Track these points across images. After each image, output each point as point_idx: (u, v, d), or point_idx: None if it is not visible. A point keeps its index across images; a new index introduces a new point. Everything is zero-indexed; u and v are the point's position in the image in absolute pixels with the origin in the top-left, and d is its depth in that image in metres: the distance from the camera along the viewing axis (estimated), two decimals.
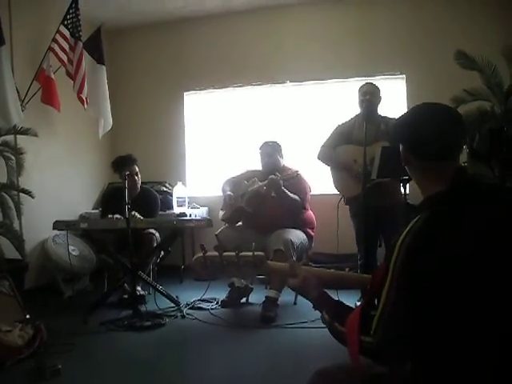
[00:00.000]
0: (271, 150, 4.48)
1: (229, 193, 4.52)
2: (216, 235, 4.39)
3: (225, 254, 1.61)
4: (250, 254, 1.61)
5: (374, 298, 1.36)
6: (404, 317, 1.26)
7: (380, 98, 4.13)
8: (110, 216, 4.30)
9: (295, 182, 4.26)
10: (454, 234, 1.25)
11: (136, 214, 4.30)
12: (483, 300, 1.22)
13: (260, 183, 4.31)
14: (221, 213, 4.60)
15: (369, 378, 1.43)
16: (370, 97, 4.03)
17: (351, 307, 1.44)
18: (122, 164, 4.59)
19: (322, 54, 5.45)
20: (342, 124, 4.26)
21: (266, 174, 4.37)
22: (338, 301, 1.50)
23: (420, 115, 1.47)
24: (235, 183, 4.59)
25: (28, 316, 3.48)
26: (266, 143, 4.54)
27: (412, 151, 1.44)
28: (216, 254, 1.62)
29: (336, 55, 5.41)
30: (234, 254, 1.60)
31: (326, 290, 1.54)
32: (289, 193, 4.23)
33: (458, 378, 1.23)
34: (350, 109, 4.32)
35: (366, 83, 4.21)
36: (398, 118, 1.53)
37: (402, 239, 1.28)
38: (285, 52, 5.58)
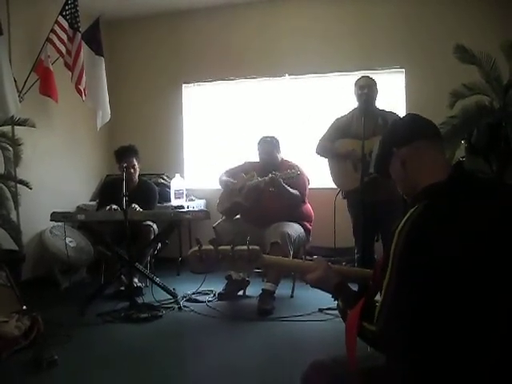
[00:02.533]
0: (269, 148, 4.44)
1: (225, 178, 4.51)
2: (214, 228, 4.40)
3: (220, 247, 1.61)
4: (245, 247, 1.61)
5: (378, 289, 1.37)
6: (404, 306, 1.26)
7: (377, 90, 4.11)
8: (107, 207, 4.30)
9: (296, 179, 4.24)
10: (450, 228, 1.25)
11: (136, 206, 4.30)
12: (478, 295, 1.22)
13: (259, 178, 4.29)
14: (218, 202, 4.59)
15: (366, 371, 1.44)
16: (367, 90, 4.02)
17: None
18: (121, 155, 4.59)
19: (321, 47, 5.43)
20: (340, 118, 4.25)
21: (264, 169, 4.36)
22: (356, 291, 1.52)
23: (398, 120, 1.72)
24: (233, 175, 4.57)
25: (25, 307, 3.50)
26: (263, 140, 4.49)
27: (405, 140, 1.49)
28: (211, 247, 1.62)
29: (335, 48, 5.39)
30: (229, 247, 1.60)
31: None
32: (289, 188, 4.22)
33: (454, 371, 1.23)
34: (349, 102, 4.30)
35: (362, 76, 4.19)
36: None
37: (400, 227, 1.29)
38: (284, 45, 5.56)
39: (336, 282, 1.55)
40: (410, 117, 1.69)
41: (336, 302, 1.57)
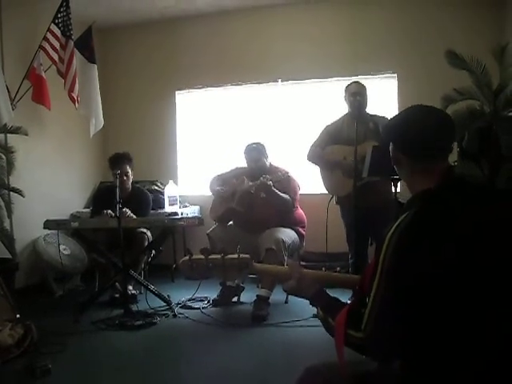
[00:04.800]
0: (256, 155, 4.43)
1: (218, 188, 4.51)
2: (207, 234, 4.40)
3: (210, 256, 1.62)
4: (236, 256, 1.62)
5: (365, 294, 1.37)
6: (392, 312, 1.27)
7: (367, 96, 4.14)
8: (104, 211, 4.29)
9: (285, 182, 4.25)
10: (441, 235, 1.26)
11: (127, 210, 4.28)
12: (471, 299, 1.23)
13: (250, 182, 4.29)
14: (210, 209, 4.59)
15: (359, 376, 1.45)
16: (360, 98, 4.05)
17: (346, 303, 1.46)
18: (115, 162, 4.58)
19: (314, 53, 5.45)
20: (330, 124, 4.27)
21: (253, 175, 4.35)
22: (334, 297, 1.51)
23: (411, 116, 1.48)
24: (224, 181, 4.57)
25: (18, 315, 3.48)
26: (249, 147, 4.48)
27: (402, 150, 1.46)
28: (202, 257, 1.63)
29: (327, 54, 5.41)
30: (219, 256, 1.61)
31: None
32: (279, 193, 4.22)
33: (444, 376, 1.24)
34: (341, 108, 4.33)
35: (353, 83, 4.20)
36: (391, 119, 1.55)
37: (391, 233, 1.30)
38: (276, 51, 5.58)
39: (313, 293, 1.53)
40: (419, 124, 1.44)
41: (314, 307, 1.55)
